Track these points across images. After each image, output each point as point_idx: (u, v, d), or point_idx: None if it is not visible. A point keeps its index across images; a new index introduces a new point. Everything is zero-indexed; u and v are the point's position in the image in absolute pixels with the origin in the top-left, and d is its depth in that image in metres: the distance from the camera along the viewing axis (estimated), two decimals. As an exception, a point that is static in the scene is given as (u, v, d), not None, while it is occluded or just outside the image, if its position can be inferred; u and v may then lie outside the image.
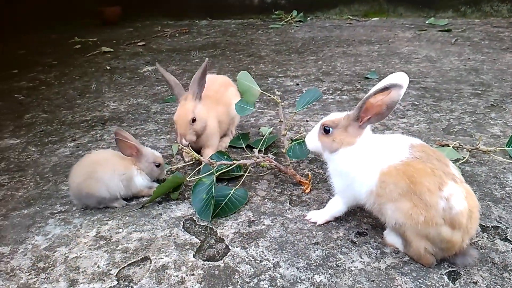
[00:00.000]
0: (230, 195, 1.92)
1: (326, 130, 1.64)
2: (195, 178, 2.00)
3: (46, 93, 3.76)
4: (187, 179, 2.04)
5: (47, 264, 1.60)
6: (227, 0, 7.40)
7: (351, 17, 6.87)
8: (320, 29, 6.11)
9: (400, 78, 1.59)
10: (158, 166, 2.02)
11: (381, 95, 1.50)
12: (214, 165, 1.98)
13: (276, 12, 7.11)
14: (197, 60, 4.64)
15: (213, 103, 2.33)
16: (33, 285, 1.50)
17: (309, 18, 7.00)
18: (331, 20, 6.88)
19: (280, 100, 2.12)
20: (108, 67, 4.54)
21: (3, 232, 1.82)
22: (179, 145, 2.12)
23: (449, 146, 2.27)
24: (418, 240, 1.46)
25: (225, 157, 2.13)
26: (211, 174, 1.96)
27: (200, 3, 7.48)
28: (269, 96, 2.21)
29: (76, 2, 7.47)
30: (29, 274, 1.55)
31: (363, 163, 1.55)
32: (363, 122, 1.58)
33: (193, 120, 2.16)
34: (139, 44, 5.68)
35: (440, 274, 1.44)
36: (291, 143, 2.14)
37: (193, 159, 2.07)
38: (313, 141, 1.71)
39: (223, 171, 2.04)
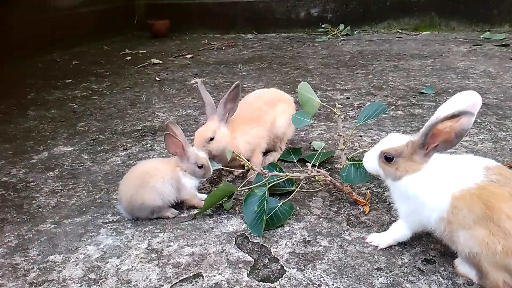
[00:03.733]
0: (277, 208, 1.85)
1: (388, 159, 1.53)
2: (246, 188, 1.94)
3: (99, 102, 3.85)
4: (238, 188, 1.98)
5: (98, 275, 1.57)
6: (273, 14, 7.41)
7: (400, 31, 6.68)
8: (369, 43, 5.97)
9: (472, 98, 1.46)
10: (200, 167, 1.98)
11: (450, 121, 1.37)
12: (266, 175, 1.92)
13: (323, 26, 7.03)
14: (244, 73, 4.62)
15: (247, 125, 2.27)
16: (85, 296, 1.47)
17: (356, 32, 6.87)
18: (379, 34, 6.72)
19: (340, 113, 2.03)
20: (157, 78, 4.61)
21: (55, 240, 1.82)
22: (233, 152, 2.08)
23: (520, 168, 2.09)
24: (496, 271, 1.32)
25: (277, 169, 2.06)
26: (263, 185, 1.89)
27: (246, 17, 7.53)
28: (325, 109, 2.12)
29: (128, 16, 7.72)
30: (81, 285, 1.53)
31: (432, 187, 1.43)
32: (429, 149, 1.45)
33: (211, 139, 2.12)
34: (186, 56, 5.76)
35: (523, 312, 1.29)
36: (347, 161, 2.03)
37: (246, 167, 2.03)
38: (372, 164, 1.61)
39: (275, 182, 1.97)
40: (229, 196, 1.97)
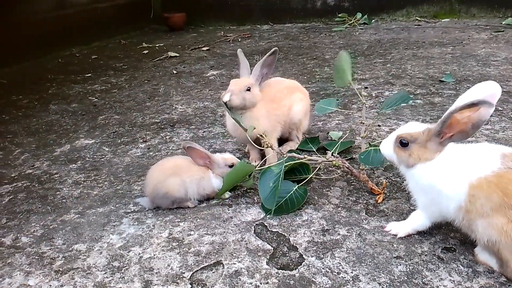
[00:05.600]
0: (292, 191, 1.87)
1: (403, 144, 1.52)
2: (264, 168, 1.96)
3: (118, 96, 3.91)
4: (256, 168, 2.00)
5: (122, 263, 1.61)
6: (289, 4, 7.36)
7: (419, 19, 6.56)
8: (387, 31, 5.88)
9: (492, 88, 1.44)
10: (231, 166, 2.00)
11: (469, 111, 1.35)
12: (285, 154, 1.94)
13: (339, 15, 6.95)
14: (260, 64, 4.61)
15: (271, 100, 2.27)
16: (109, 284, 1.51)
17: (374, 21, 6.77)
18: (398, 22, 6.61)
19: (365, 101, 2.02)
20: (174, 71, 4.65)
21: (79, 229, 1.87)
22: (254, 128, 2.07)
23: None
24: (516, 259, 1.31)
25: (297, 153, 2.07)
26: (280, 164, 1.90)
27: (262, 8, 7.50)
28: (343, 98, 2.12)
29: (144, 10, 7.77)
30: (105, 273, 1.57)
31: (448, 176, 1.41)
32: (444, 138, 1.44)
33: (248, 89, 2.12)
34: (203, 49, 5.78)
35: (546, 300, 1.28)
36: (368, 147, 2.03)
37: (266, 145, 2.03)
38: (388, 150, 1.60)
39: (293, 163, 1.99)
40: (249, 175, 1.98)
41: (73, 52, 6.05)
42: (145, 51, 5.86)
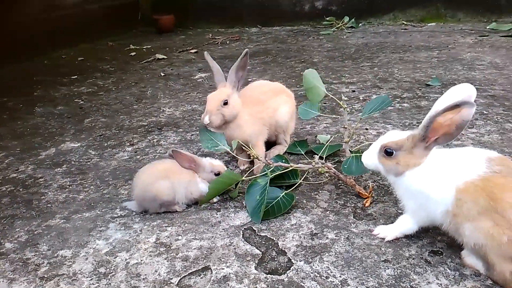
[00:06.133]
0: (279, 198, 1.88)
1: (388, 153, 1.53)
2: (251, 178, 1.96)
3: (105, 98, 3.87)
4: (243, 178, 2.00)
5: (108, 269, 1.59)
6: (278, 7, 7.38)
7: (405, 23, 6.63)
8: (374, 35, 5.94)
9: (466, 90, 1.46)
10: (217, 174, 1.98)
11: (451, 113, 1.37)
12: (271, 165, 1.94)
13: (327, 18, 7.00)
14: (248, 67, 4.60)
15: (253, 103, 2.26)
16: (96, 290, 1.49)
17: (361, 24, 6.83)
18: (385, 26, 6.68)
19: (346, 106, 2.02)
20: (162, 74, 4.63)
21: (65, 234, 1.84)
22: (238, 142, 2.08)
23: (528, 159, 2.08)
24: (502, 262, 1.32)
25: (283, 160, 2.07)
26: (265, 175, 1.91)
27: (251, 11, 7.51)
28: (330, 102, 2.12)
29: (133, 12, 7.72)
30: (91, 279, 1.55)
31: (436, 181, 1.43)
32: (429, 143, 1.45)
33: (225, 103, 2.08)
34: (191, 51, 5.76)
35: (531, 303, 1.29)
36: (350, 155, 2.04)
37: (252, 156, 2.03)
38: (372, 160, 1.60)
39: (278, 173, 2.00)
40: (235, 185, 2.00)
41: (59, 54, 5.98)
42: (133, 53, 5.82)
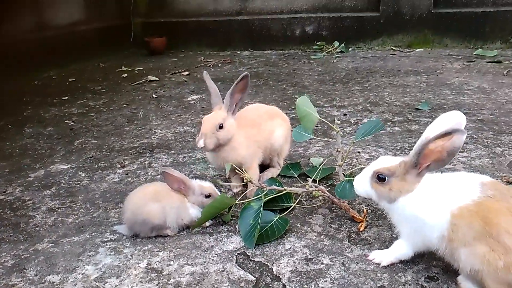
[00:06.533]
0: (273, 222, 1.86)
1: (380, 178, 1.53)
2: (244, 201, 1.95)
3: (96, 119, 3.84)
4: (236, 201, 1.98)
5: (97, 295, 1.54)
6: (269, 32, 7.49)
7: (394, 48, 6.76)
8: (363, 60, 6.04)
9: (457, 118, 1.48)
10: (208, 196, 1.96)
11: (441, 140, 1.38)
12: (265, 188, 1.93)
13: (317, 43, 7.11)
14: (240, 89, 4.64)
15: (249, 126, 2.25)
16: (84, 318, 1.44)
17: (351, 49, 6.95)
18: (374, 50, 6.80)
19: (339, 129, 2.03)
20: (154, 95, 4.62)
21: (53, 259, 1.79)
22: (231, 165, 2.07)
23: (518, 184, 2.10)
24: (499, 288, 1.31)
25: (277, 183, 2.06)
26: (259, 199, 1.90)
27: (242, 35, 7.60)
28: (323, 125, 2.13)
29: (125, 34, 7.77)
30: (80, 306, 1.50)
31: (430, 206, 1.43)
32: (421, 169, 1.46)
33: (220, 127, 2.07)
34: (183, 73, 5.78)
35: (529, 330, 1.27)
36: (344, 178, 2.04)
37: (245, 180, 2.02)
38: (364, 187, 1.60)
39: (272, 196, 1.99)
40: (228, 209, 1.97)
41: (50, 75, 5.96)
42: (125, 75, 5.82)
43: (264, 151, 2.34)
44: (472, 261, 1.33)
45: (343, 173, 2.11)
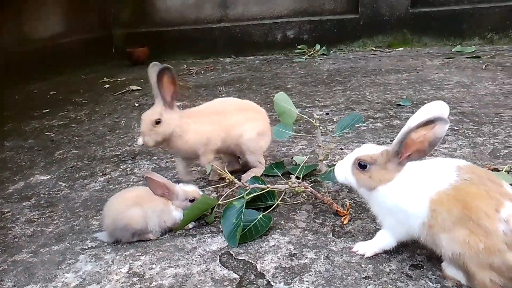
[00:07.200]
0: (256, 220, 1.83)
1: (362, 166, 1.52)
2: (227, 201, 1.92)
3: (77, 130, 3.79)
4: (219, 202, 1.96)
5: (78, 303, 1.50)
6: (251, 37, 7.52)
7: (374, 49, 6.83)
8: (345, 61, 6.08)
9: (439, 107, 1.47)
10: (192, 201, 1.92)
11: (424, 129, 1.37)
12: (247, 187, 1.91)
13: (299, 47, 7.15)
14: (223, 95, 4.64)
15: (206, 114, 2.24)
16: (63, 326, 1.39)
17: (332, 51, 7.00)
18: (355, 52, 6.86)
19: (318, 124, 2.02)
20: (136, 104, 4.59)
21: (32, 269, 1.74)
22: (212, 165, 2.05)
23: (499, 171, 2.12)
24: (482, 271, 1.30)
25: (260, 182, 2.04)
26: (242, 197, 1.88)
27: (224, 42, 7.62)
28: (306, 124, 2.12)
29: (106, 45, 7.73)
30: (59, 314, 1.45)
31: (410, 194, 1.42)
32: (402, 158, 1.45)
33: (157, 122, 2.08)
34: (166, 81, 5.75)
35: (514, 311, 1.27)
36: (328, 169, 2.04)
37: (227, 180, 1.99)
38: (344, 173, 1.59)
39: (254, 195, 1.96)
40: (211, 209, 1.95)
41: (31, 88, 5.89)
42: (107, 86, 5.78)
43: (225, 142, 2.28)
44: (453, 245, 1.33)
45: (327, 165, 2.10)
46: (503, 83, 4.00)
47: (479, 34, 6.46)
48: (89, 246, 1.87)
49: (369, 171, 1.50)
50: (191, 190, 1.95)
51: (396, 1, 6.71)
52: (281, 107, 2.03)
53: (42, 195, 2.49)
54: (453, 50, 6.04)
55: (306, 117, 2.15)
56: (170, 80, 2.10)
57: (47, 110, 4.64)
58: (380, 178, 1.48)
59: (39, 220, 2.18)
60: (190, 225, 1.94)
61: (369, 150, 1.54)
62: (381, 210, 1.56)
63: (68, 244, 1.91)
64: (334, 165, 2.02)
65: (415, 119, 1.47)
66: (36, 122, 4.20)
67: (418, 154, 1.43)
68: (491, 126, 2.86)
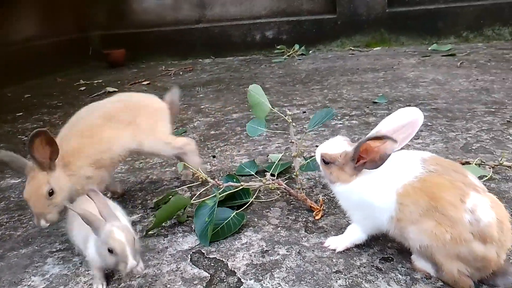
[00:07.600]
0: (229, 218, 1.82)
1: (324, 161, 1.54)
2: (199, 200, 1.90)
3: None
4: (191, 201, 1.93)
5: (43, 307, 1.46)
6: (229, 38, 7.49)
7: (352, 48, 6.89)
8: (323, 61, 6.11)
9: (413, 115, 1.46)
10: (111, 252, 1.34)
11: (378, 142, 1.37)
12: (221, 186, 1.89)
13: (278, 47, 7.16)
14: (201, 95, 4.61)
15: (81, 137, 1.91)
16: (27, 331, 1.35)
17: (311, 51, 7.03)
18: (333, 52, 6.90)
19: (291, 120, 2.02)
20: (112, 106, 4.51)
21: (-2, 274, 1.69)
22: (184, 164, 2.02)
23: (470, 164, 2.15)
24: (449, 261, 1.31)
25: (234, 180, 2.02)
26: (215, 196, 1.85)
27: (203, 43, 7.58)
28: (282, 123, 2.12)
29: (83, 47, 7.60)
30: (24, 319, 1.41)
31: (376, 188, 1.42)
32: (358, 164, 1.45)
33: (50, 194, 1.67)
34: (143, 83, 5.69)
35: (480, 300, 1.28)
36: (305, 162, 2.06)
37: (201, 179, 1.97)
38: (318, 159, 1.61)
39: (228, 193, 1.95)
40: (184, 209, 1.93)
41: (4, 92, 5.75)
42: (82, 88, 5.68)
43: (115, 163, 2.03)
44: (421, 237, 1.33)
45: (304, 157, 2.10)
46: (477, 79, 4.07)
47: (454, 33, 6.57)
48: (58, 248, 1.83)
49: (330, 167, 1.51)
50: (118, 239, 1.32)
51: (373, 1, 6.77)
52: (255, 99, 2.01)
53: (12, 199, 2.42)
54: (429, 48, 6.12)
55: (279, 113, 2.13)
56: (45, 142, 1.66)
57: (21, 114, 4.54)
58: (338, 178, 1.49)
59: (7, 224, 2.12)
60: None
61: (333, 146, 1.53)
62: (348, 204, 1.56)
63: (36, 247, 1.86)
64: (312, 157, 2.04)
65: (385, 124, 1.48)
66: (9, 125, 4.10)
67: (371, 164, 1.42)
68: (464, 121, 2.90)
